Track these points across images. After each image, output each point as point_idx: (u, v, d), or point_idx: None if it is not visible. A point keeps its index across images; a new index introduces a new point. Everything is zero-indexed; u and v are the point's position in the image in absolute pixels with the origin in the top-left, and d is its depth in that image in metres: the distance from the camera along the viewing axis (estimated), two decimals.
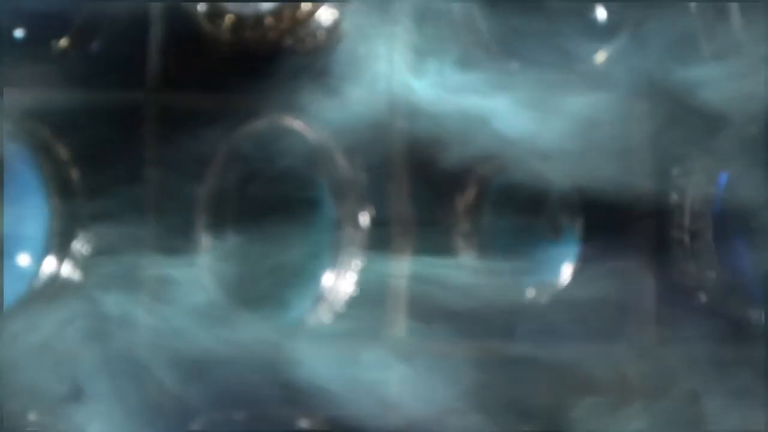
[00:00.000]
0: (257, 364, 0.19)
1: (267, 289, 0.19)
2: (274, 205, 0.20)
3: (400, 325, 0.20)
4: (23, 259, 0.19)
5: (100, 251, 0.19)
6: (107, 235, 0.20)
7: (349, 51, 0.21)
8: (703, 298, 0.21)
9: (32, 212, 0.19)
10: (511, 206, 0.20)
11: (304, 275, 0.19)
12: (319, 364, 0.20)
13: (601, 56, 0.21)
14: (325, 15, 0.20)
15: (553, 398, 0.20)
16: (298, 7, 0.19)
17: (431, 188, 0.21)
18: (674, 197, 0.21)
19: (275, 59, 0.20)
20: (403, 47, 0.22)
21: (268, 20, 0.19)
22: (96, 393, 0.21)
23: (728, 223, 0.20)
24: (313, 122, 0.21)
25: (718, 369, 0.21)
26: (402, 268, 0.20)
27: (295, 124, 0.20)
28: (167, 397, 0.21)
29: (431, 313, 0.20)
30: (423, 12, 0.22)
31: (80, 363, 0.19)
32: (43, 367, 0.20)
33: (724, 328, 0.21)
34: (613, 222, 0.21)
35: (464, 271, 0.20)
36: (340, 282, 0.20)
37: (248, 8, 0.19)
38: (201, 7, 0.19)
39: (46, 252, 0.19)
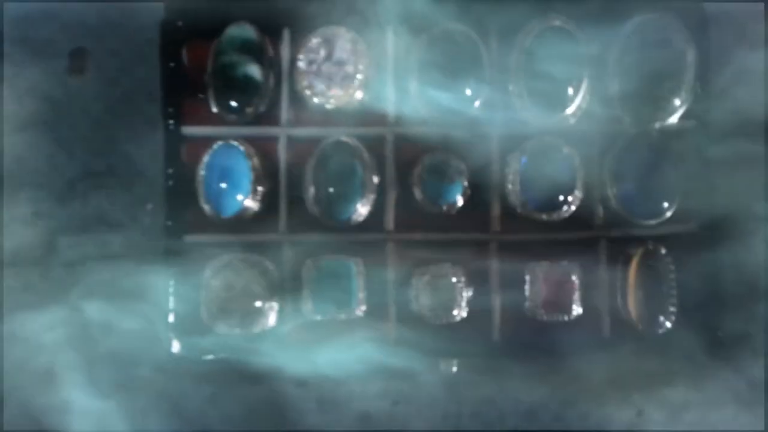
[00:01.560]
0: None
1: (334, 205, 0.41)
2: (341, 171, 0.41)
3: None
4: (239, 196, 0.42)
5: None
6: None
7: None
8: (517, 211, 0.42)
9: (242, 178, 0.42)
10: (437, 171, 0.42)
11: (350, 200, 0.40)
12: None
13: None
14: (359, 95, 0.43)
15: None
16: (353, 100, 0.40)
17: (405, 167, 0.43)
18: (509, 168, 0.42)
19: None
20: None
21: (334, 103, 0.42)
22: None
23: (528, 183, 0.41)
24: (354, 138, 0.43)
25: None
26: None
27: (346, 138, 0.42)
28: None
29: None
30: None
31: None
32: None
33: (528, 226, 0.43)
34: (477, 179, 0.42)
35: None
36: (363, 206, 0.41)
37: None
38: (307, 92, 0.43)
39: (247, 195, 0.41)
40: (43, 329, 0.44)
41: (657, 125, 0.41)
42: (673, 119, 0.41)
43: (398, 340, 0.41)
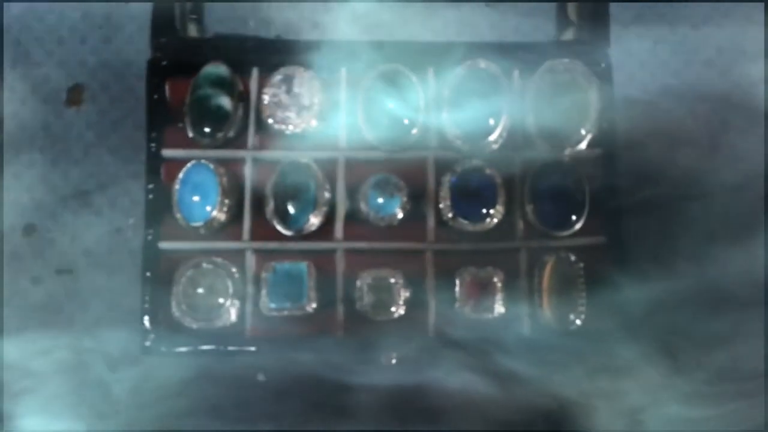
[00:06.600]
0: None
1: (290, 217, 0.46)
2: (296, 187, 0.47)
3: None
4: (208, 207, 0.48)
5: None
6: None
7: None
8: (448, 223, 0.49)
9: (211, 192, 0.49)
10: (380, 187, 0.50)
11: (304, 213, 0.46)
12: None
13: None
14: (314, 123, 0.50)
15: None
16: (309, 127, 0.47)
17: (354, 184, 0.50)
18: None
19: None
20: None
21: (292, 130, 0.49)
22: None
23: (457, 199, 0.47)
24: (309, 159, 0.50)
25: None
26: None
27: (302, 159, 0.50)
28: None
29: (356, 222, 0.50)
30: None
31: None
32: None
33: (458, 236, 0.49)
34: (414, 195, 0.50)
35: None
36: (316, 217, 0.48)
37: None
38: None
39: (215, 206, 0.48)
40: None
41: (567, 152, 0.48)
42: (581, 147, 0.48)
43: (344, 334, 0.46)
